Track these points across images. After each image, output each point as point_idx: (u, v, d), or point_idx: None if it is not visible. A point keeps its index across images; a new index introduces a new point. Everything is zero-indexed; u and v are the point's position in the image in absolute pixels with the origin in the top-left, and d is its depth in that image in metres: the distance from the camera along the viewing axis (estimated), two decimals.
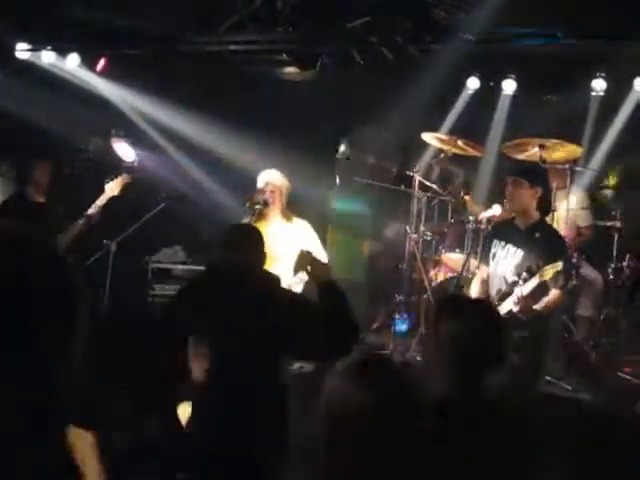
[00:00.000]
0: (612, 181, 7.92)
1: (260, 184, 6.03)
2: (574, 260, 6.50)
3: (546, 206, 5.48)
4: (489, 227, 6.19)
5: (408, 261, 7.17)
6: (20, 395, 1.34)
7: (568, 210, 6.73)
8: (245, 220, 5.98)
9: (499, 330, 2.80)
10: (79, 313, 1.41)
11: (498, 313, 3.28)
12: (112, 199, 6.62)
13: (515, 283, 5.11)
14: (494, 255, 5.39)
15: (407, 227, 7.14)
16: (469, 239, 6.91)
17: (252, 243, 3.94)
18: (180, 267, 7.84)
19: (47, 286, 1.37)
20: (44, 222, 6.39)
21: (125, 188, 6.65)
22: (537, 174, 5.66)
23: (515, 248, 5.28)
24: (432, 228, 7.45)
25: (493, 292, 5.41)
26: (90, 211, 6.52)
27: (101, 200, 6.58)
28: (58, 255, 1.46)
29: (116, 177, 6.69)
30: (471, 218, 6.90)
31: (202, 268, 7.64)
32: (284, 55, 7.16)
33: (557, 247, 5.28)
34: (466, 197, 7.32)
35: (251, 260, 3.82)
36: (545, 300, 5.10)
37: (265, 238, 5.97)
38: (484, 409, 2.57)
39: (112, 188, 6.63)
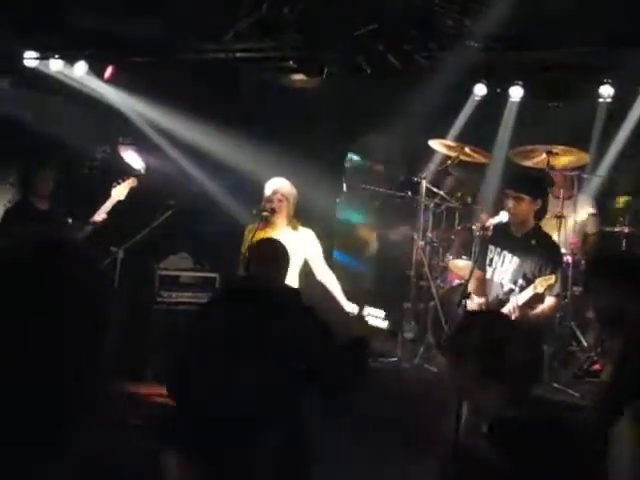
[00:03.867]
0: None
1: (268, 192, 6.04)
2: (582, 267, 6.47)
3: (542, 212, 5.47)
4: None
5: (415, 268, 7.15)
6: (45, 393, 1.35)
7: (576, 217, 6.70)
8: (252, 227, 5.99)
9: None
10: (108, 314, 1.44)
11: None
12: (119, 204, 6.62)
13: (512, 291, 5.12)
14: (491, 261, 5.38)
15: (414, 234, 7.13)
16: (476, 246, 6.88)
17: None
18: (187, 274, 7.83)
19: (80, 287, 1.40)
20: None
21: (131, 192, 6.64)
22: (538, 186, 5.60)
23: (511, 255, 5.27)
24: (439, 235, 7.43)
25: (490, 298, 5.42)
26: (96, 217, 6.53)
27: (107, 205, 6.58)
28: (91, 258, 1.49)
29: (123, 181, 6.69)
30: (478, 225, 6.89)
31: (209, 275, 7.69)
32: (290, 62, 7.17)
33: (553, 256, 5.30)
34: (475, 207, 7.32)
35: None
36: (540, 308, 5.12)
37: None
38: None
39: (119, 192, 6.62)
